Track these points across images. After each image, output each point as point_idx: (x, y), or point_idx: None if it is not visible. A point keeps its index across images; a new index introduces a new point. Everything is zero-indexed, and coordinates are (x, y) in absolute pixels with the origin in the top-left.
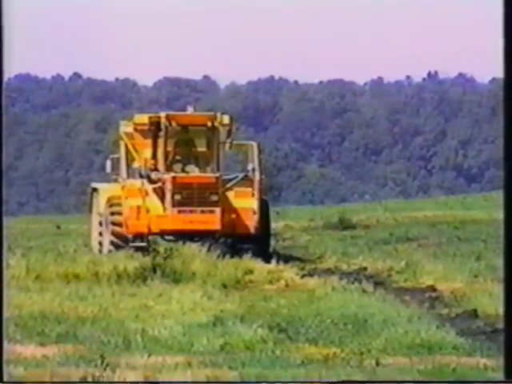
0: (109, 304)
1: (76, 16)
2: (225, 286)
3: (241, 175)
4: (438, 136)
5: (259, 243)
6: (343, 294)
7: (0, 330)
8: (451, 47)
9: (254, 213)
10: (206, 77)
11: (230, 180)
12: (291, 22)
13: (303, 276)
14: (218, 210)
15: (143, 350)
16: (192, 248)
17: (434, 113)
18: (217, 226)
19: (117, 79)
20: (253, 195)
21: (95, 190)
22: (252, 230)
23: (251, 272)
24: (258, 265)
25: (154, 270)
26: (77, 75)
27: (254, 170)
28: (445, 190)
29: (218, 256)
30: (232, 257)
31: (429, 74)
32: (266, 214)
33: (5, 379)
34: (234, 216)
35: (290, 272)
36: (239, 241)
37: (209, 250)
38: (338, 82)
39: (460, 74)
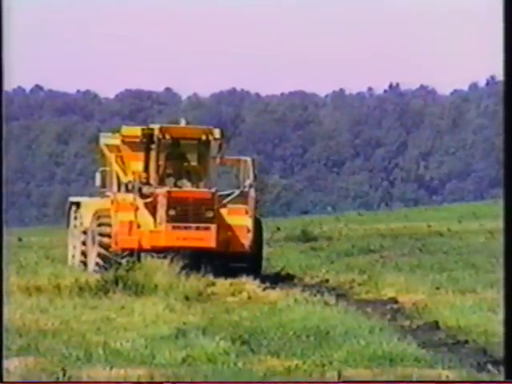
0: (70, 316)
1: (36, 28)
2: (187, 299)
3: (237, 192)
4: (399, 148)
5: (252, 262)
6: (305, 306)
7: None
8: (412, 59)
9: (249, 231)
10: (167, 89)
11: (223, 196)
12: (252, 35)
13: (265, 288)
14: (213, 226)
15: (105, 362)
16: (154, 260)
17: (395, 124)
18: (212, 244)
19: (78, 91)
20: (246, 212)
21: (75, 204)
22: (247, 249)
23: (213, 284)
24: (220, 277)
25: (116, 283)
26: (38, 87)
27: (250, 186)
28: (406, 202)
29: (181, 269)
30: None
31: (390, 86)
32: (259, 233)
33: (4, 379)
34: (228, 234)
35: (252, 284)
36: (232, 259)
37: (171, 262)
38: (299, 94)
39: (421, 86)
